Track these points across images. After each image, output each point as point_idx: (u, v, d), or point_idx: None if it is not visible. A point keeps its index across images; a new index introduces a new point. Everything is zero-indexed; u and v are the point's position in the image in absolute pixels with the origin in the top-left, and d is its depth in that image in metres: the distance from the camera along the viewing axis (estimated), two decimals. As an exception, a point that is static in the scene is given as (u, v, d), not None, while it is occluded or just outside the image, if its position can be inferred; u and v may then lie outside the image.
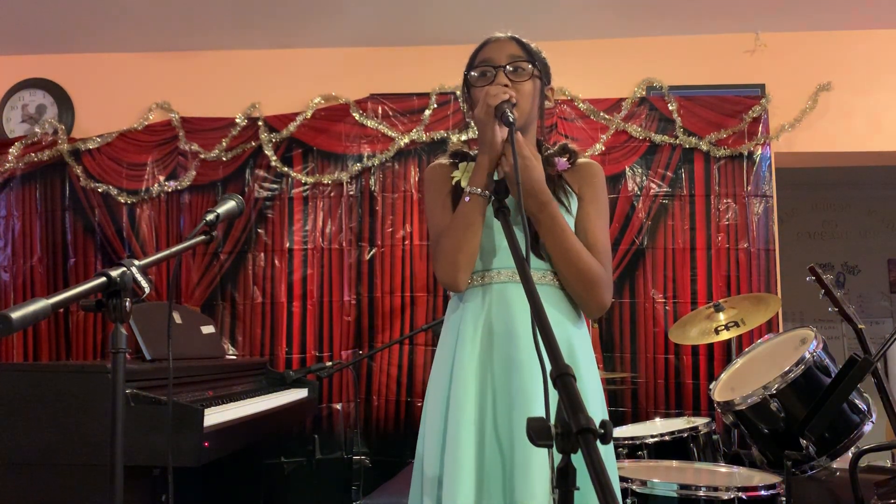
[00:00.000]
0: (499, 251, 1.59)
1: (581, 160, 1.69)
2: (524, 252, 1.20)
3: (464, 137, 3.82)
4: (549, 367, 0.95)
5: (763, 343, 2.88)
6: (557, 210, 1.55)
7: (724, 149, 3.79)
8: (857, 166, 4.38)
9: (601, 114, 3.86)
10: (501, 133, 1.51)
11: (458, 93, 3.85)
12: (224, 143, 3.94)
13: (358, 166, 3.90)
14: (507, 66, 1.59)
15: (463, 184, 1.63)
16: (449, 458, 1.49)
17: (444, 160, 1.73)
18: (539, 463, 1.42)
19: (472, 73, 1.64)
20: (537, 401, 1.45)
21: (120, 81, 4.15)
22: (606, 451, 1.59)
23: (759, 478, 2.33)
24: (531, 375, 1.48)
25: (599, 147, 3.81)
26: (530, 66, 1.61)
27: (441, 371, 1.61)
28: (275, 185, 3.95)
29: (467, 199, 1.54)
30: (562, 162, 1.66)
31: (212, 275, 3.90)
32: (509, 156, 1.47)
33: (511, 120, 1.45)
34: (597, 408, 1.57)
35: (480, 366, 1.55)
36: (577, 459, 0.83)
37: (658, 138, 3.82)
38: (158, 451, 2.11)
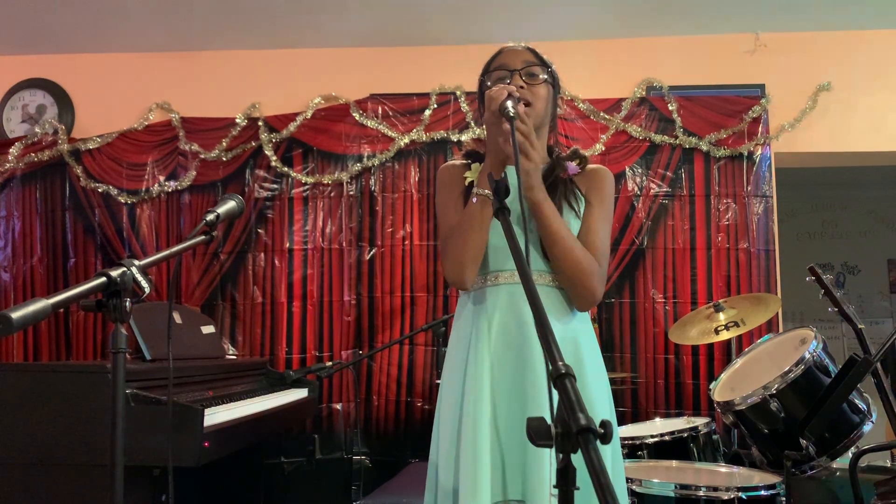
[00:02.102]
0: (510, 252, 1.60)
1: (591, 166, 1.72)
2: (524, 250, 1.21)
3: (464, 137, 3.83)
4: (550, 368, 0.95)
5: (763, 343, 2.88)
6: (551, 207, 1.57)
7: (724, 149, 3.79)
8: (857, 166, 4.38)
9: (601, 114, 3.85)
10: (505, 128, 1.50)
11: (459, 93, 3.86)
12: (224, 143, 3.94)
13: (358, 166, 3.90)
14: (523, 70, 1.62)
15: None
16: (466, 463, 1.49)
17: (457, 161, 1.75)
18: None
19: (488, 80, 1.65)
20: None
21: (120, 81, 4.15)
22: (614, 452, 1.59)
23: (759, 478, 2.33)
24: (545, 376, 1.48)
25: (599, 147, 3.81)
26: (544, 71, 1.64)
27: (454, 374, 1.61)
28: (275, 185, 3.95)
29: (475, 199, 1.55)
30: (572, 166, 1.68)
31: (212, 275, 3.90)
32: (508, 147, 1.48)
33: (511, 115, 1.46)
34: (603, 405, 1.59)
35: (494, 368, 1.55)
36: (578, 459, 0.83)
37: (658, 138, 3.82)
38: (158, 451, 2.11)
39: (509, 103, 1.47)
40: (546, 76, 1.64)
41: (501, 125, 1.49)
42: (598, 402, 1.57)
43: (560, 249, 1.56)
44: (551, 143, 1.74)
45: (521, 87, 1.59)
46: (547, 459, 1.43)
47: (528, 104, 1.58)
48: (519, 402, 1.51)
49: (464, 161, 1.73)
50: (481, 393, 1.52)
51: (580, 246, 1.59)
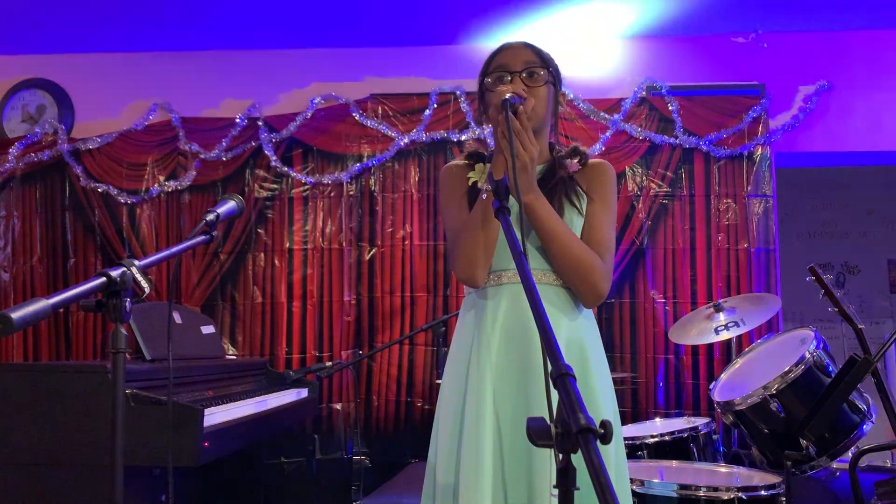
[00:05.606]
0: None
1: (592, 161, 1.72)
2: (521, 248, 1.21)
3: (464, 137, 3.82)
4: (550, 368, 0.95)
5: (763, 343, 2.88)
6: (545, 206, 1.56)
7: (724, 149, 3.79)
8: (857, 166, 4.38)
9: (601, 114, 3.85)
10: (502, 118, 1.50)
11: (459, 93, 3.86)
12: (224, 143, 3.94)
13: (358, 166, 3.90)
14: (523, 72, 1.61)
15: (480, 184, 1.65)
16: (467, 464, 1.48)
17: (459, 161, 1.75)
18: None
19: (488, 80, 1.65)
20: (555, 402, 1.46)
21: (120, 81, 4.15)
22: (618, 452, 1.59)
23: (759, 478, 2.33)
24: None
25: (599, 147, 3.81)
26: (545, 71, 1.63)
27: (456, 374, 1.60)
28: (275, 185, 3.95)
29: (484, 196, 1.55)
30: (572, 164, 1.68)
31: (212, 275, 3.90)
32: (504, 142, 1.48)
33: (506, 97, 1.47)
34: (607, 406, 1.58)
35: (497, 369, 1.55)
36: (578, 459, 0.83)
37: (658, 138, 3.82)
38: (158, 451, 2.11)
39: (509, 96, 1.48)
40: (547, 76, 1.63)
41: (500, 117, 1.49)
42: (603, 402, 1.57)
43: (557, 247, 1.56)
44: (552, 140, 1.74)
45: (523, 90, 1.58)
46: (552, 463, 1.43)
47: None
48: (522, 406, 1.51)
49: (466, 161, 1.73)
50: (483, 395, 1.52)
51: (579, 243, 1.58)
